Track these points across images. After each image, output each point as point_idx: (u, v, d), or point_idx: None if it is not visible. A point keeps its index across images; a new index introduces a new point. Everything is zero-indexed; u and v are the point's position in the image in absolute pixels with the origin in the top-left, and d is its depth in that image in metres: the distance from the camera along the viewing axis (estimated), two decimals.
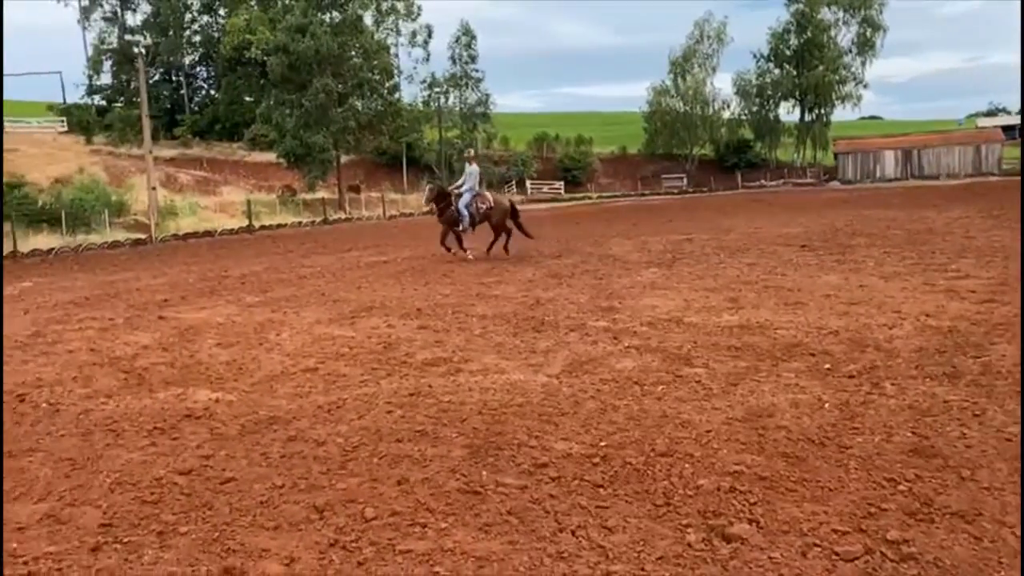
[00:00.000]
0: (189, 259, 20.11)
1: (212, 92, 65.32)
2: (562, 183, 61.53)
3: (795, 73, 66.09)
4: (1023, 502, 3.66)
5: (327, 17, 44.65)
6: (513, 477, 4.19)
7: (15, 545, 3.65)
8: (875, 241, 14.97)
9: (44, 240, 26.13)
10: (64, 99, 58.87)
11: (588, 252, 15.64)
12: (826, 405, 5.15)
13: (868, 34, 65.55)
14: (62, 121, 53.56)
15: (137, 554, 3.50)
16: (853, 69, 66.69)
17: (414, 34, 57.62)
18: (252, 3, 60.16)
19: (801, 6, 65.17)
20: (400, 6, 56.54)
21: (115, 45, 60.93)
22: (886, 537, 3.35)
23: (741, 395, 5.46)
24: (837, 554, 3.23)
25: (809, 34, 65.52)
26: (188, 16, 64.23)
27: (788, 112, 68.48)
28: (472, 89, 58.22)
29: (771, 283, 10.33)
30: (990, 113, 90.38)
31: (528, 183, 59.68)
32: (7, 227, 25.80)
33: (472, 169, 15.62)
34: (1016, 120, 68.82)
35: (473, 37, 58.07)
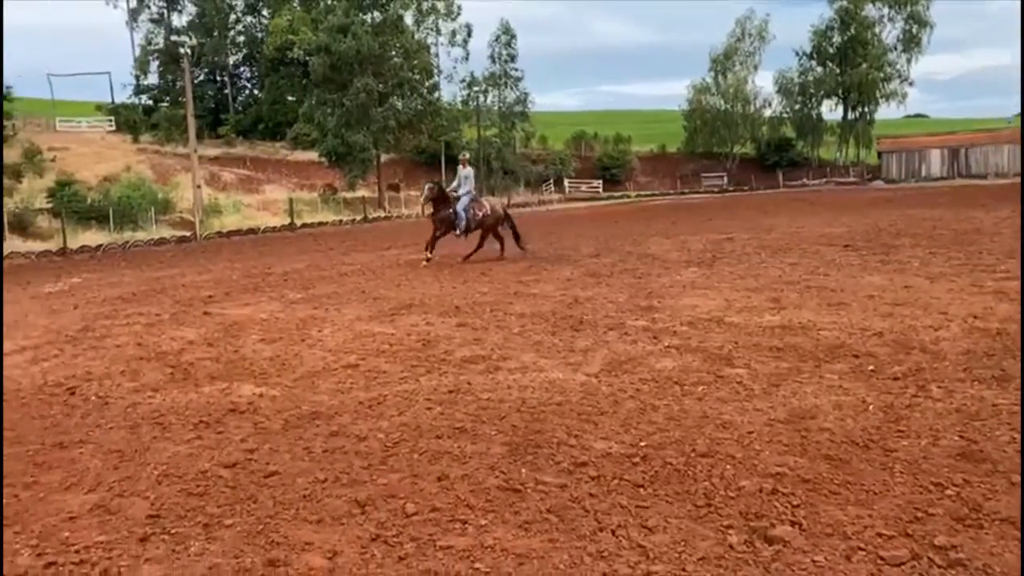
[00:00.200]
0: (233, 256, 20.44)
1: (255, 92, 66.24)
2: (600, 182, 61.31)
3: (838, 71, 65.04)
4: (1023, 502, 3.61)
5: (368, 17, 45.04)
6: (552, 475, 4.20)
7: (67, 534, 3.75)
8: (920, 241, 14.68)
9: (92, 237, 26.77)
10: (112, 99, 60.31)
11: (627, 251, 15.57)
12: (870, 407, 5.07)
13: (914, 31, 64.29)
14: (110, 120, 54.78)
15: (184, 545, 3.58)
16: (898, 66, 65.51)
17: (454, 33, 57.82)
18: (295, 3, 60.88)
19: (845, 3, 64.12)
20: (440, 6, 56.78)
21: (161, 46, 62.05)
22: (933, 542, 3.29)
23: (783, 396, 5.40)
24: (883, 559, 3.18)
25: (853, 31, 64.43)
26: (232, 17, 65.19)
27: (831, 110, 67.52)
28: (511, 88, 58.27)
29: (813, 283, 10.19)
30: None
31: (566, 182, 59.58)
32: (57, 223, 26.49)
33: (467, 172, 15.33)
34: None
35: (513, 36, 58.15)
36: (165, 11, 63.42)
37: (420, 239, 15.95)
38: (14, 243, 25.14)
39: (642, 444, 4.58)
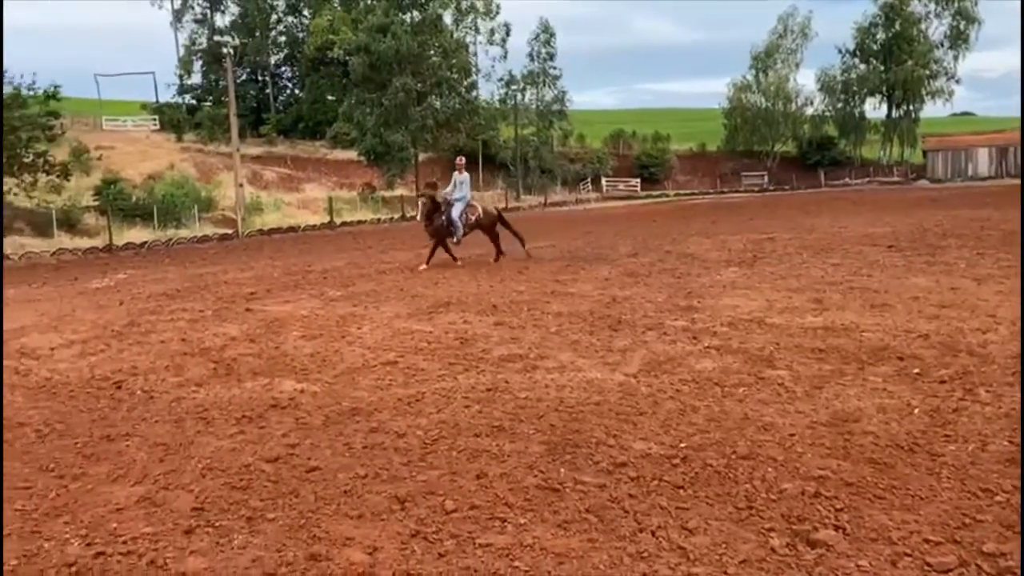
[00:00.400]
0: (274, 254, 20.70)
1: (296, 91, 66.90)
2: (638, 180, 60.88)
3: (882, 68, 63.77)
4: (1023, 503, 3.55)
5: (408, 17, 45.30)
6: (591, 475, 4.19)
7: (115, 525, 3.83)
8: (967, 242, 14.35)
9: (137, 234, 27.32)
10: (157, 98, 61.26)
11: (665, 250, 15.46)
12: (916, 411, 4.98)
13: (962, 27, 62.77)
14: (155, 120, 55.72)
15: (228, 538, 3.64)
16: (944, 64, 64.01)
17: (492, 32, 57.89)
18: (335, 3, 61.44)
19: None
20: (479, 4, 56.88)
21: (204, 46, 63.01)
22: (982, 549, 3.22)
23: (826, 399, 5.33)
24: (930, 565, 3.12)
25: (898, 27, 63.11)
26: (274, 17, 65.93)
27: (874, 108, 66.14)
28: (549, 86, 58.14)
29: (856, 284, 10.03)
30: None
31: (604, 180, 59.29)
32: (104, 221, 27.07)
33: (463, 177, 15.06)
34: None
35: (552, 34, 57.95)
36: (208, 11, 64.37)
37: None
38: (62, 239, 25.76)
39: (682, 445, 4.55)
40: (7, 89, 25.52)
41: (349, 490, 4.12)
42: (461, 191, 14.87)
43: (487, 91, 58.07)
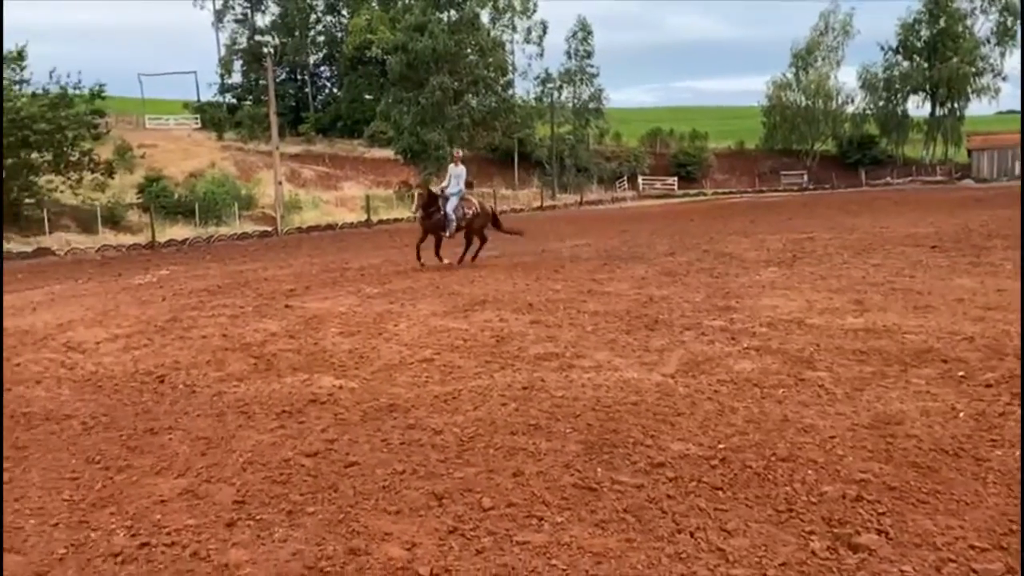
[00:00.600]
0: (312, 251, 20.93)
1: (335, 91, 67.49)
2: (675, 179, 60.45)
3: (926, 65, 62.57)
4: (1023, 504, 3.50)
5: (445, 16, 45.46)
6: (629, 475, 4.18)
7: (159, 516, 3.91)
8: (1014, 243, 14.01)
9: (179, 231, 27.80)
10: (198, 97, 62.20)
11: (703, 250, 15.34)
12: (960, 415, 4.89)
13: (1008, 23, 61.37)
14: (196, 118, 56.58)
15: (268, 531, 3.69)
16: (991, 60, 62.65)
17: (529, 31, 57.83)
18: (373, 3, 61.83)
19: None
20: (516, 3, 56.82)
21: (245, 46, 63.84)
22: None
23: (867, 401, 5.25)
24: (975, 572, 3.07)
25: (943, 24, 61.90)
26: (313, 17, 66.56)
27: (917, 106, 64.94)
28: (586, 84, 57.95)
29: (899, 285, 9.86)
30: None
31: (640, 179, 58.97)
32: (147, 218, 27.58)
33: (458, 170, 14.78)
34: None
35: (589, 32, 57.77)
36: (249, 12, 65.18)
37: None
38: (106, 236, 26.30)
39: (720, 446, 4.51)
40: (54, 89, 26.10)
41: (387, 486, 4.16)
42: (456, 185, 14.57)
43: (523, 89, 58.10)
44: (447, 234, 14.54)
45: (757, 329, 7.60)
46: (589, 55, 57.82)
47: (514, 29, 57.53)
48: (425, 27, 43.50)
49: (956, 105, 63.63)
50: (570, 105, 57.96)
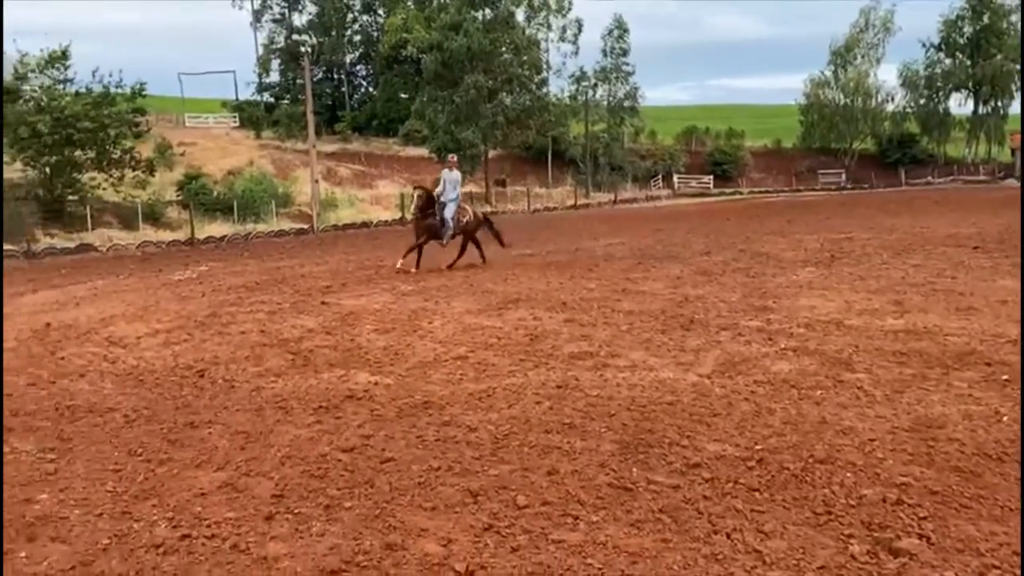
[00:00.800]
0: (348, 248, 21.10)
1: (370, 89, 67.94)
2: (711, 178, 59.90)
3: (969, 63, 61.32)
4: (1023, 504, 3.44)
5: (480, 14, 45.52)
6: (664, 475, 4.16)
7: (199, 509, 3.98)
8: None
9: (218, 228, 28.18)
10: (236, 96, 63.00)
11: (739, 249, 15.19)
12: (1004, 419, 4.79)
13: None
14: (235, 117, 57.35)
15: (306, 525, 3.74)
16: None
17: (564, 29, 57.70)
18: (409, 2, 62.14)
19: None
20: (552, 1, 56.74)
21: (282, 45, 64.54)
22: None
23: (907, 403, 5.17)
24: None
25: (986, 20, 60.62)
26: (350, 16, 67.10)
27: (959, 105, 63.62)
28: (621, 82, 57.69)
29: (940, 286, 9.68)
30: None
31: (675, 177, 58.57)
32: (186, 215, 28.01)
33: (454, 176, 14.58)
34: None
35: (625, 30, 57.50)
36: (287, 11, 65.86)
37: (527, 235, 15.89)
38: (147, 232, 26.75)
39: (757, 448, 4.47)
40: (96, 88, 26.60)
41: (423, 482, 4.19)
42: (452, 191, 14.33)
43: (558, 87, 57.99)
44: (443, 241, 14.32)
45: (794, 330, 7.52)
46: (625, 53, 57.54)
47: (549, 27, 57.45)
48: (460, 26, 43.59)
49: (1000, 103, 62.26)
50: (605, 103, 57.73)
